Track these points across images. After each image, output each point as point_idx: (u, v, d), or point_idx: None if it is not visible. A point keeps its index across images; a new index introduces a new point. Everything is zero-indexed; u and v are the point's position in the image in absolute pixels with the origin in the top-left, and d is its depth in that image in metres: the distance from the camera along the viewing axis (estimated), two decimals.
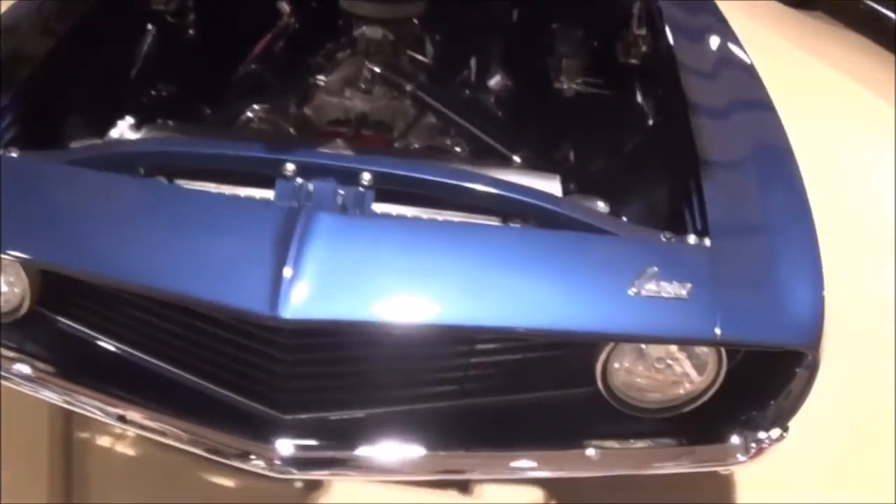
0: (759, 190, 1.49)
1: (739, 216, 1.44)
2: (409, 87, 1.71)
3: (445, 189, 1.40)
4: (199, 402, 1.41)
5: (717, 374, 1.38)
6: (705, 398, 1.40)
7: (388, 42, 1.83)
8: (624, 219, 1.52)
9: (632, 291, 1.27)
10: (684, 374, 1.39)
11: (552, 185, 1.51)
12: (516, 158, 1.67)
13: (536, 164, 1.64)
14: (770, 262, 1.37)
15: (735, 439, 1.40)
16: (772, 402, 1.40)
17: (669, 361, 1.39)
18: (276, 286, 1.20)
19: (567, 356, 1.37)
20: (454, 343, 1.32)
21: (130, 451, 1.75)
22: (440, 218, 1.41)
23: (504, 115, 1.80)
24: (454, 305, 1.24)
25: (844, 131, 3.49)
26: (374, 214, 1.39)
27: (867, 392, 2.43)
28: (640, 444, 1.40)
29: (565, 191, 1.55)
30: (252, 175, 1.44)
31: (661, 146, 1.62)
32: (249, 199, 1.40)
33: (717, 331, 1.26)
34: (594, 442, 1.38)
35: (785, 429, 1.42)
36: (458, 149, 1.70)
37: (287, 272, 1.21)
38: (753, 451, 1.40)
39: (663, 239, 1.38)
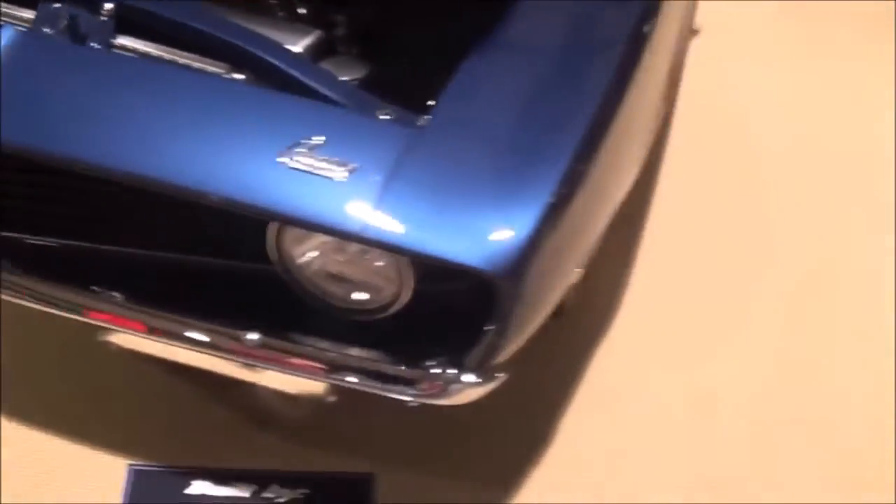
0: (539, 90, 1.23)
1: (492, 107, 1.19)
2: None
3: (172, 27, 1.25)
4: None
5: (401, 286, 1.17)
6: (391, 311, 1.20)
7: None
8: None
9: (280, 159, 1.08)
10: (371, 274, 1.19)
11: (298, 41, 1.30)
12: (301, 11, 1.45)
13: (320, 20, 1.41)
14: (493, 164, 1.13)
15: (411, 371, 1.19)
16: (469, 338, 1.16)
17: (353, 254, 1.19)
18: None
19: (237, 222, 1.19)
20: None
21: None
22: (167, 57, 1.26)
23: None
24: (81, 140, 1.13)
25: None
26: (106, 46, 1.26)
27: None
28: (314, 343, 1.23)
29: (335, 51, 1.35)
30: None
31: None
32: None
33: (366, 224, 1.05)
34: (265, 328, 1.22)
35: (487, 375, 1.19)
36: None
37: None
38: (435, 389, 1.18)
39: (380, 115, 1.16)
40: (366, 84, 1.30)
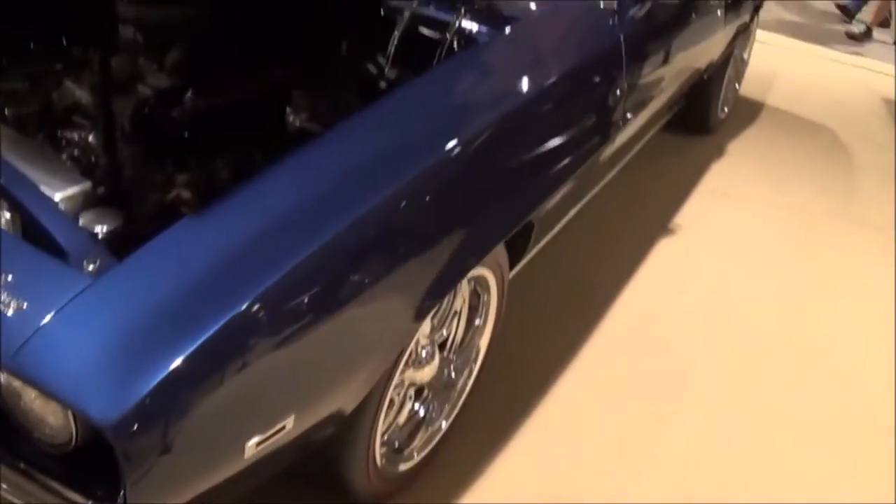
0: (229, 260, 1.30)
1: (173, 267, 1.29)
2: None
3: None
4: None
5: (70, 428, 1.26)
6: (66, 451, 1.28)
7: (136, 45, 1.89)
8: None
9: None
10: (48, 410, 1.29)
11: (63, 188, 1.48)
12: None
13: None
14: (141, 321, 1.22)
15: None
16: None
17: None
18: None
19: None
20: None
21: None
22: None
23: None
24: None
25: None
26: None
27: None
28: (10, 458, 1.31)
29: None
30: None
31: None
32: None
33: (11, 357, 1.17)
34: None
35: None
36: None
37: None
38: None
39: (87, 264, 1.29)
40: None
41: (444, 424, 2.00)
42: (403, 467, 1.89)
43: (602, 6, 2.23)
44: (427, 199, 1.55)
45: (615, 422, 2.28)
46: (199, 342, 1.20)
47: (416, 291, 1.55)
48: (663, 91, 2.75)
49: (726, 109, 4.00)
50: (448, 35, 1.93)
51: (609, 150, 2.28)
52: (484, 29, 1.99)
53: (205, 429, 1.25)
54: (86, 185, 1.50)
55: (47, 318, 1.20)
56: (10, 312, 1.20)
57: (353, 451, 1.68)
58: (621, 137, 2.39)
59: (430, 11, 1.97)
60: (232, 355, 1.24)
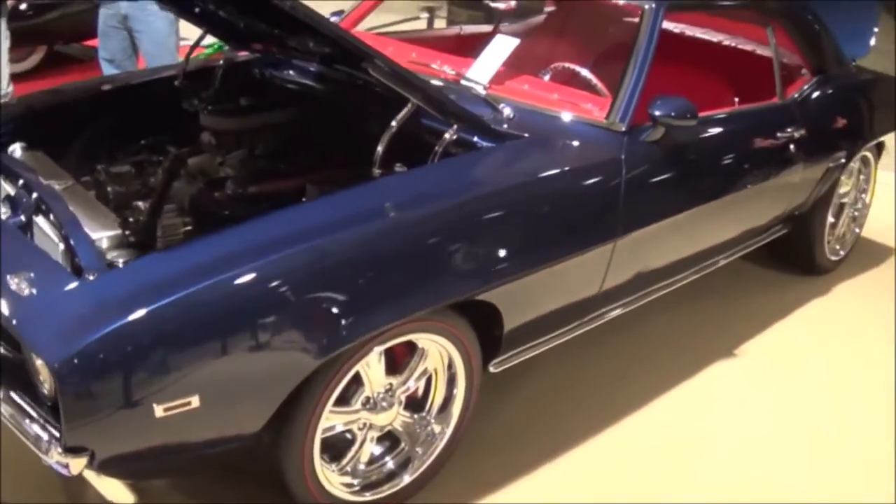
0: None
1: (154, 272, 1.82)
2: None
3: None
4: None
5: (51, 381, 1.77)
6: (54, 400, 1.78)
7: (210, 146, 2.50)
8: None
9: (8, 278, 1.83)
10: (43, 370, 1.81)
11: (102, 230, 2.08)
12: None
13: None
14: (111, 301, 1.75)
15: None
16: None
17: None
18: None
19: None
20: None
21: None
22: (44, 227, 2.08)
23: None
24: None
25: None
26: (18, 221, 2.13)
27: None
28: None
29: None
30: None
31: None
32: None
33: (15, 320, 1.76)
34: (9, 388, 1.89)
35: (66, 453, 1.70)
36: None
37: None
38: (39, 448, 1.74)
39: (88, 276, 1.84)
40: None
41: (407, 478, 2.29)
42: (353, 499, 2.21)
43: (611, 127, 2.54)
44: (350, 259, 1.94)
45: None
46: (135, 318, 1.70)
47: (317, 333, 1.89)
48: (696, 226, 2.85)
49: (842, 252, 3.97)
50: (444, 142, 2.33)
51: (595, 277, 2.47)
52: (480, 140, 2.43)
53: (133, 383, 1.70)
54: (118, 233, 2.12)
55: (44, 300, 1.78)
56: (24, 295, 1.79)
57: (289, 461, 2.04)
58: (625, 268, 2.57)
59: (433, 123, 2.41)
60: (163, 330, 1.72)
